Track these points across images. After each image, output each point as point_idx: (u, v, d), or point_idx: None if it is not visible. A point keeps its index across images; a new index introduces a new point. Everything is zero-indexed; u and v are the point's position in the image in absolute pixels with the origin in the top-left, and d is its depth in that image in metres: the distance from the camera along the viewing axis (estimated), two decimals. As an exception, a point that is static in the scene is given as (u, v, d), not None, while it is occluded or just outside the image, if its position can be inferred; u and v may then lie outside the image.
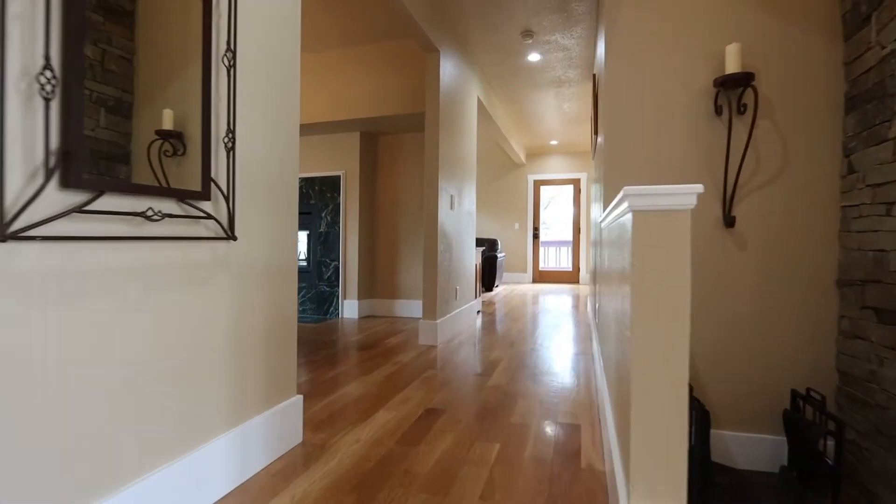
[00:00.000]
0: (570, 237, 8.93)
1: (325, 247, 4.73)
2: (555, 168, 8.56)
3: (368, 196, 4.77)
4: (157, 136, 1.17)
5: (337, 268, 4.67)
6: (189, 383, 1.27)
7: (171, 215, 1.18)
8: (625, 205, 1.04)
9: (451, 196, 3.74)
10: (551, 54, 4.37)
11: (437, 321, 3.41)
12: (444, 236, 3.58)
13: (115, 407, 1.07)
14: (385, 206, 4.82)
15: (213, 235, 1.33)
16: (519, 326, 4.20)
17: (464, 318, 4.13)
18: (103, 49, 1.04)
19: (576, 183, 8.44)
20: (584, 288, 7.82)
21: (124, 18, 1.09)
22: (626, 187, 0.97)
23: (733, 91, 1.83)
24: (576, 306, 5.59)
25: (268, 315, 1.58)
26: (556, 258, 9.78)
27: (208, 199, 1.30)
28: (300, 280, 4.82)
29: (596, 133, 3.20)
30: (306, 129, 4.60)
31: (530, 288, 7.77)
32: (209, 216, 1.30)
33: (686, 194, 0.89)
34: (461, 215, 4.07)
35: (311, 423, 1.92)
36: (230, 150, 1.39)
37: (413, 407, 2.13)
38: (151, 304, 1.16)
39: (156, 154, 1.16)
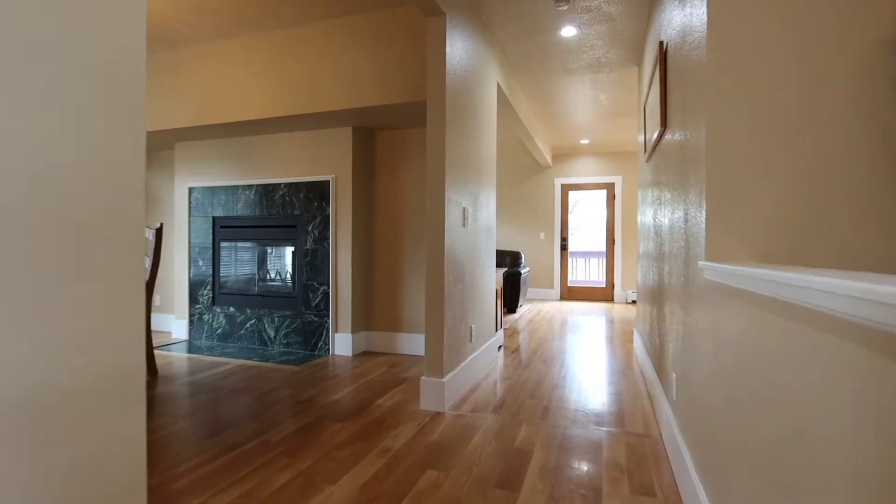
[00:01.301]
0: (597, 246, 7.94)
1: (311, 268, 3.91)
2: (585, 170, 7.59)
3: (364, 206, 3.92)
4: None
5: (326, 293, 3.83)
6: None
7: None
8: None
9: (464, 209, 2.86)
10: (591, 27, 3.45)
11: (445, 379, 2.53)
12: (455, 263, 2.70)
13: None
14: (385, 218, 3.97)
15: None
16: (552, 373, 3.28)
17: (481, 362, 3.24)
18: None
19: (609, 187, 7.45)
20: (620, 308, 6.82)
21: None
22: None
23: None
24: (618, 337, 4.62)
25: None
26: (584, 271, 8.80)
27: None
28: (283, 307, 4.01)
29: (664, 125, 2.28)
30: (286, 124, 3.78)
31: (558, 307, 6.82)
32: None
33: None
34: (477, 232, 3.18)
35: None
36: None
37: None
38: None
39: None
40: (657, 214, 2.61)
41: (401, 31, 3.21)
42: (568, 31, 3.51)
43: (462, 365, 2.83)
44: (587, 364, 3.53)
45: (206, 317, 4.29)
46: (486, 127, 3.43)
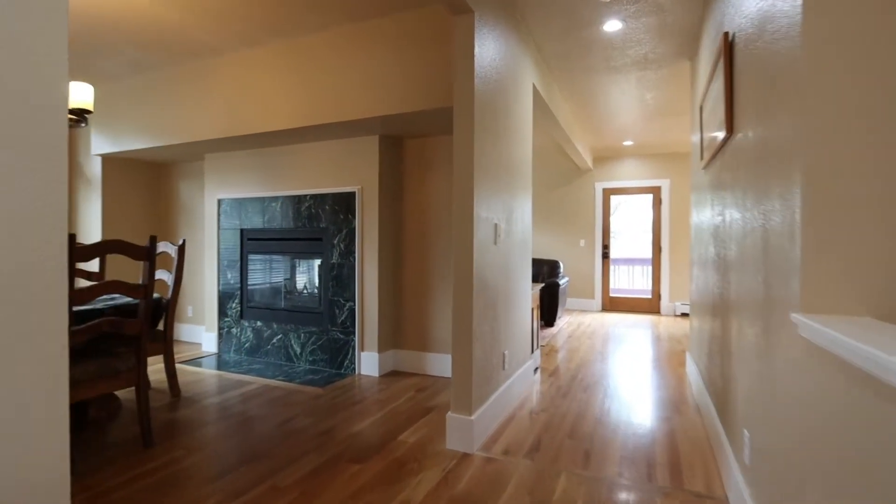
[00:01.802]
0: (640, 253, 7.45)
1: (337, 283, 3.75)
2: (629, 174, 7.13)
3: (391, 217, 3.73)
4: None
5: (353, 310, 3.67)
6: None
7: None
8: None
9: (496, 225, 2.60)
10: (637, 20, 3.11)
11: (473, 417, 2.28)
12: (485, 288, 2.44)
13: None
14: (413, 230, 3.76)
15: None
16: (594, 404, 2.96)
17: (515, 390, 2.97)
18: None
19: (656, 192, 6.96)
20: (667, 322, 6.34)
21: None
22: None
23: None
24: (668, 359, 4.22)
25: None
26: (628, 279, 8.31)
27: None
28: (309, 323, 3.88)
29: (730, 127, 1.94)
30: (311, 133, 3.65)
31: (599, 320, 6.41)
32: None
33: None
34: (511, 249, 2.91)
35: None
36: None
37: None
38: None
39: None
40: (720, 229, 2.26)
41: (429, 32, 2.99)
42: (612, 26, 3.19)
43: (493, 397, 2.57)
44: (634, 393, 3.18)
45: (234, 330, 4.23)
46: (521, 132, 3.16)
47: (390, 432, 2.50)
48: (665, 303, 6.88)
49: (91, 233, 4.55)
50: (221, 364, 3.93)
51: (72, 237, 2.04)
